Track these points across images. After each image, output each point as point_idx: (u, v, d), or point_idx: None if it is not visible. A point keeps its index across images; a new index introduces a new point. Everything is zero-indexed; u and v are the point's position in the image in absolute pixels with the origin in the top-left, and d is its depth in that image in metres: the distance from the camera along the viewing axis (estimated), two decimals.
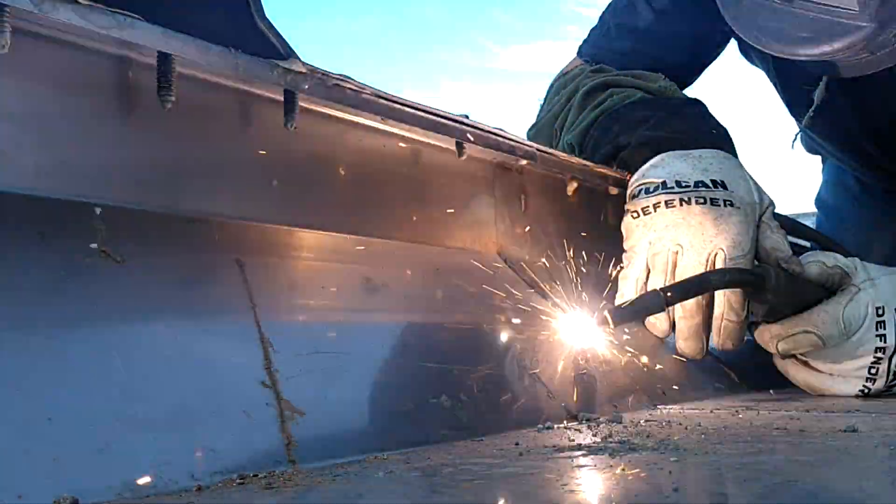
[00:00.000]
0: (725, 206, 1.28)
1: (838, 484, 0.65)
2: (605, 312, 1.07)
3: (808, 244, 1.73)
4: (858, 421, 0.95)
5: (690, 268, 1.26)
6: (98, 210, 0.74)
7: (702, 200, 1.29)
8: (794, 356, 1.34)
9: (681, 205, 1.28)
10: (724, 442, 0.81)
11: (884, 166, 1.93)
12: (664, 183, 1.31)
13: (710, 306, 1.29)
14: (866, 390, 1.30)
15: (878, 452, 0.76)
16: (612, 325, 1.08)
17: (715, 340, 1.31)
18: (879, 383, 1.30)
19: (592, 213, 1.41)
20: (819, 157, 2.22)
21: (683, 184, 1.30)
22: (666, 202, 1.29)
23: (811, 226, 1.88)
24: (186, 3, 0.81)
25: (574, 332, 1.09)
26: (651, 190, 1.32)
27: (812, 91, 1.64)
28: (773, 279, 1.23)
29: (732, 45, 1.86)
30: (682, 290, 1.18)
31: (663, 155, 1.36)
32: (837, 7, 1.26)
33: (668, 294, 1.14)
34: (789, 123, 1.99)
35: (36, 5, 0.66)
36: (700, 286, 1.20)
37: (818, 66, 1.43)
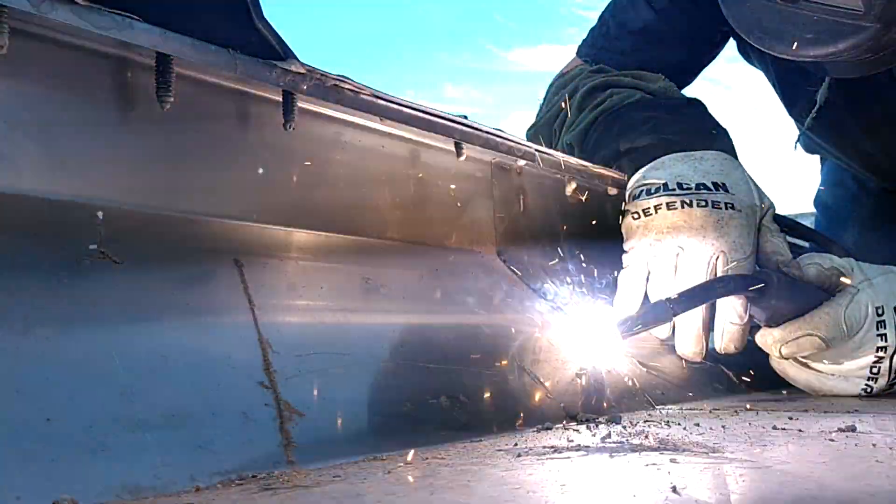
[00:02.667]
0: (727, 209, 1.29)
1: (838, 484, 0.65)
2: (614, 326, 1.08)
3: (805, 244, 1.73)
4: (857, 421, 0.95)
5: (691, 270, 1.26)
6: (97, 211, 0.74)
7: (703, 203, 1.29)
8: (794, 358, 1.34)
9: (682, 207, 1.28)
10: (722, 442, 0.81)
11: (883, 166, 1.93)
12: (665, 185, 1.31)
13: (710, 309, 1.30)
14: (869, 389, 1.30)
15: (877, 452, 0.76)
16: (620, 339, 1.09)
17: (718, 344, 1.31)
18: (881, 382, 1.30)
19: (592, 213, 1.40)
20: (818, 157, 2.23)
21: (685, 186, 1.30)
22: (667, 204, 1.29)
23: (810, 226, 1.87)
24: (184, 3, 0.80)
25: (581, 345, 1.09)
26: (652, 191, 1.32)
27: (815, 92, 1.64)
28: (775, 284, 1.24)
29: (731, 44, 1.86)
30: (689, 299, 1.18)
31: (664, 156, 1.36)
32: (842, 8, 1.25)
33: (675, 304, 1.14)
34: (787, 123, 1.99)
35: (34, 6, 0.66)
36: (705, 294, 1.21)
37: (819, 66, 1.42)
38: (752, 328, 1.33)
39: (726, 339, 1.30)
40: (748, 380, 1.43)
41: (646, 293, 1.33)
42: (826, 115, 1.67)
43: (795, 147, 2.03)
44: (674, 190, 1.30)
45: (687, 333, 1.29)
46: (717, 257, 1.27)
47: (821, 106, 1.64)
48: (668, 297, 1.18)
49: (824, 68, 1.45)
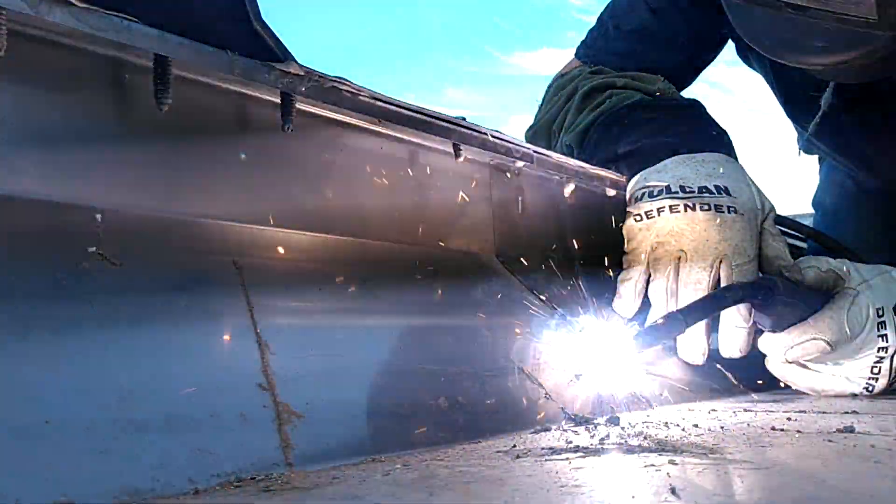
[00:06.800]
0: (729, 212, 1.29)
1: (836, 484, 0.65)
2: (628, 341, 1.09)
3: (803, 245, 1.73)
4: (856, 421, 0.95)
5: (694, 274, 1.26)
6: (95, 213, 0.74)
7: (706, 207, 1.29)
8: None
9: (685, 210, 1.28)
10: (721, 443, 0.81)
11: (882, 169, 1.93)
12: (668, 187, 1.31)
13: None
14: (870, 388, 1.31)
15: (875, 453, 0.76)
16: (635, 353, 1.09)
17: (723, 348, 1.32)
18: (882, 382, 1.31)
19: (590, 215, 1.41)
20: (816, 158, 2.23)
21: (688, 189, 1.30)
22: (670, 207, 1.29)
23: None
24: (182, 5, 0.80)
25: (592, 356, 1.09)
26: (654, 194, 1.32)
27: (818, 96, 1.64)
28: (780, 290, 1.25)
29: (731, 46, 1.86)
30: (700, 310, 1.19)
31: (666, 159, 1.36)
32: (854, 16, 1.25)
33: (687, 316, 1.15)
34: (786, 126, 1.99)
35: (32, 7, 0.66)
36: (715, 305, 1.21)
37: (826, 73, 1.42)
38: (755, 332, 1.34)
39: (731, 343, 1.30)
40: (747, 381, 1.43)
41: (646, 295, 1.33)
42: (828, 119, 1.67)
43: (800, 153, 2.03)
44: (676, 193, 1.30)
45: (689, 337, 1.29)
46: (720, 261, 1.27)
47: (825, 111, 1.64)
48: (680, 308, 1.18)
49: (827, 74, 1.44)
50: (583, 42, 1.86)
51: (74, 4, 0.69)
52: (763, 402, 1.24)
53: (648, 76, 1.59)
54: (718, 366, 1.43)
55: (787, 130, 2.03)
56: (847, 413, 1.09)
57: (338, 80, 0.93)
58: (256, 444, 0.69)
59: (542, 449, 0.79)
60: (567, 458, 0.73)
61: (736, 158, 1.42)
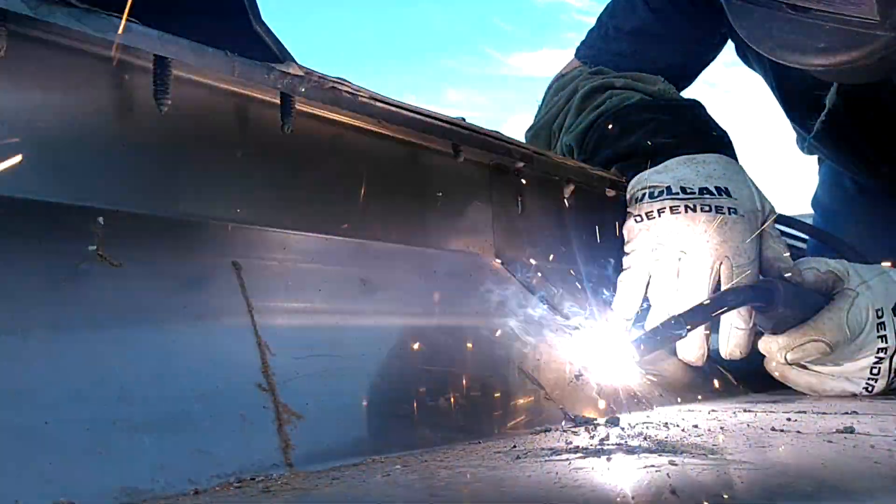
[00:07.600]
0: (730, 213, 1.29)
1: (836, 485, 0.65)
2: (630, 346, 1.09)
3: (803, 245, 1.73)
4: (856, 422, 0.95)
5: (695, 275, 1.26)
6: (95, 214, 0.74)
7: (707, 208, 1.29)
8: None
9: (686, 211, 1.29)
10: (721, 443, 0.81)
11: (881, 170, 1.93)
12: (669, 188, 1.31)
13: None
14: (869, 388, 1.32)
15: (875, 453, 0.76)
16: (638, 359, 1.09)
17: (723, 349, 1.32)
18: (881, 382, 1.31)
19: (589, 215, 1.41)
20: (816, 158, 2.23)
21: (689, 190, 1.31)
22: (671, 208, 1.29)
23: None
24: (182, 6, 0.80)
25: (597, 363, 1.09)
26: (655, 195, 1.32)
27: (821, 96, 1.64)
28: (780, 292, 1.25)
29: (730, 46, 1.86)
30: (701, 314, 1.19)
31: (667, 160, 1.36)
32: (856, 17, 1.25)
33: (689, 319, 1.15)
34: (786, 126, 1.99)
35: (32, 9, 0.66)
36: (717, 308, 1.22)
37: (824, 73, 1.42)
38: (755, 333, 1.34)
39: (732, 344, 1.31)
40: (747, 381, 1.43)
41: (645, 296, 1.33)
42: (830, 119, 1.67)
43: (804, 150, 2.03)
44: (677, 194, 1.31)
45: (689, 338, 1.29)
46: (721, 262, 1.27)
47: (829, 111, 1.65)
48: (681, 312, 1.18)
49: (828, 74, 1.44)
50: (583, 42, 1.86)
51: (74, 5, 0.69)
52: (763, 403, 1.24)
53: (648, 76, 1.59)
54: (718, 366, 1.43)
55: (787, 130, 2.04)
56: (847, 413, 1.09)
57: (338, 80, 0.93)
58: (256, 444, 0.69)
59: (542, 449, 0.79)
60: (567, 459, 0.73)
61: (736, 159, 1.43)
